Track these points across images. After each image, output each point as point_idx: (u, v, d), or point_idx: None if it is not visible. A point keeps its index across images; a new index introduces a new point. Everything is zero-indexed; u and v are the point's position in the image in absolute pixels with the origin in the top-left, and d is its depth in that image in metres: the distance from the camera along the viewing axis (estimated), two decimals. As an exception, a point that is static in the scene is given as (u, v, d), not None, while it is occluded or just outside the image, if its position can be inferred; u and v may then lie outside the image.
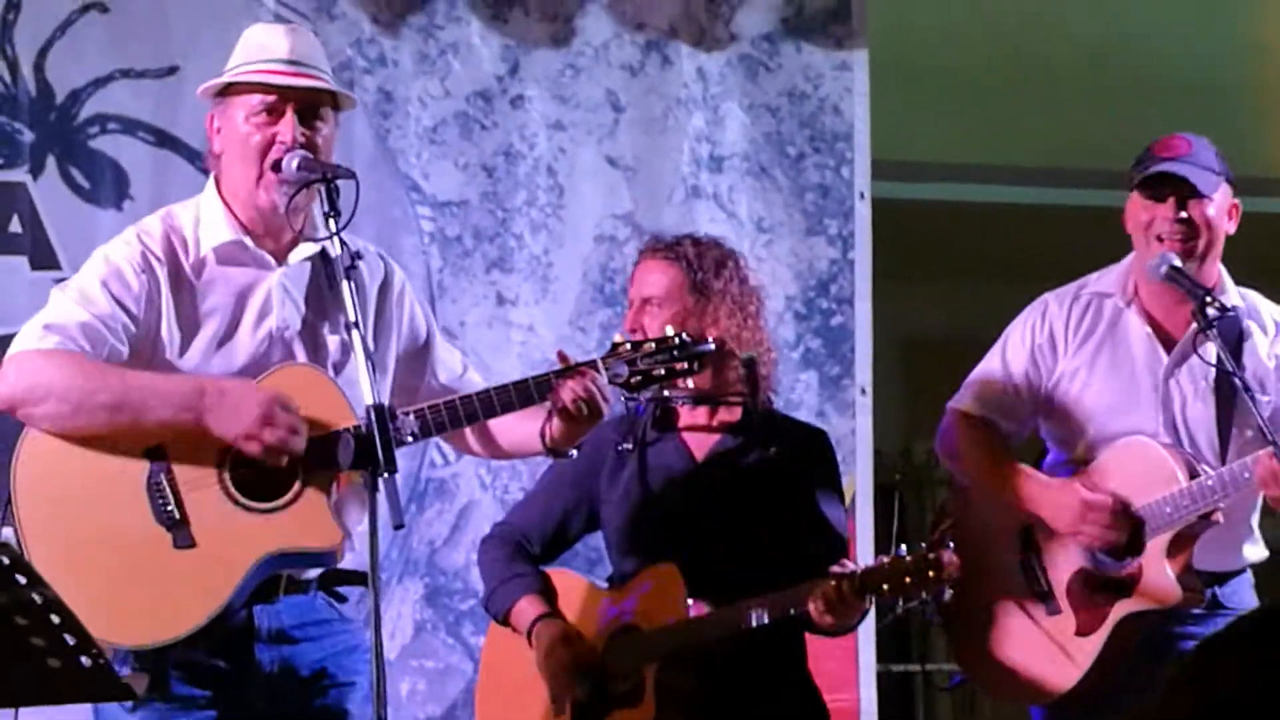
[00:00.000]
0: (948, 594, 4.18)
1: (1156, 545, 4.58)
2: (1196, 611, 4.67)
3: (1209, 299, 4.54)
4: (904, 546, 4.19)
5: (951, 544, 4.21)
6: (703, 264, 4.54)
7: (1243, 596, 4.76)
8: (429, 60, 5.85)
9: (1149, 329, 4.74)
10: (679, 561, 4.38)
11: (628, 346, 4.13)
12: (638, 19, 6.03)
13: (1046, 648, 4.70)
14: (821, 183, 6.22)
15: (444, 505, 5.77)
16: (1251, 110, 7.69)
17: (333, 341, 4.17)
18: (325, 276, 4.18)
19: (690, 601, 4.34)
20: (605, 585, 4.57)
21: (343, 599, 4.21)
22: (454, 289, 5.83)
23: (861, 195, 6.23)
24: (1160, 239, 4.64)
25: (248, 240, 4.14)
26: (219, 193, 4.17)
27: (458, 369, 4.39)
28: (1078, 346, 4.78)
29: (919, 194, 7.53)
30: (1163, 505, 4.56)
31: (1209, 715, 2.35)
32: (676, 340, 4.13)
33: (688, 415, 4.57)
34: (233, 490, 4.02)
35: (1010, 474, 4.76)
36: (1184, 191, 4.63)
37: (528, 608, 4.52)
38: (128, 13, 5.54)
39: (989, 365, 4.88)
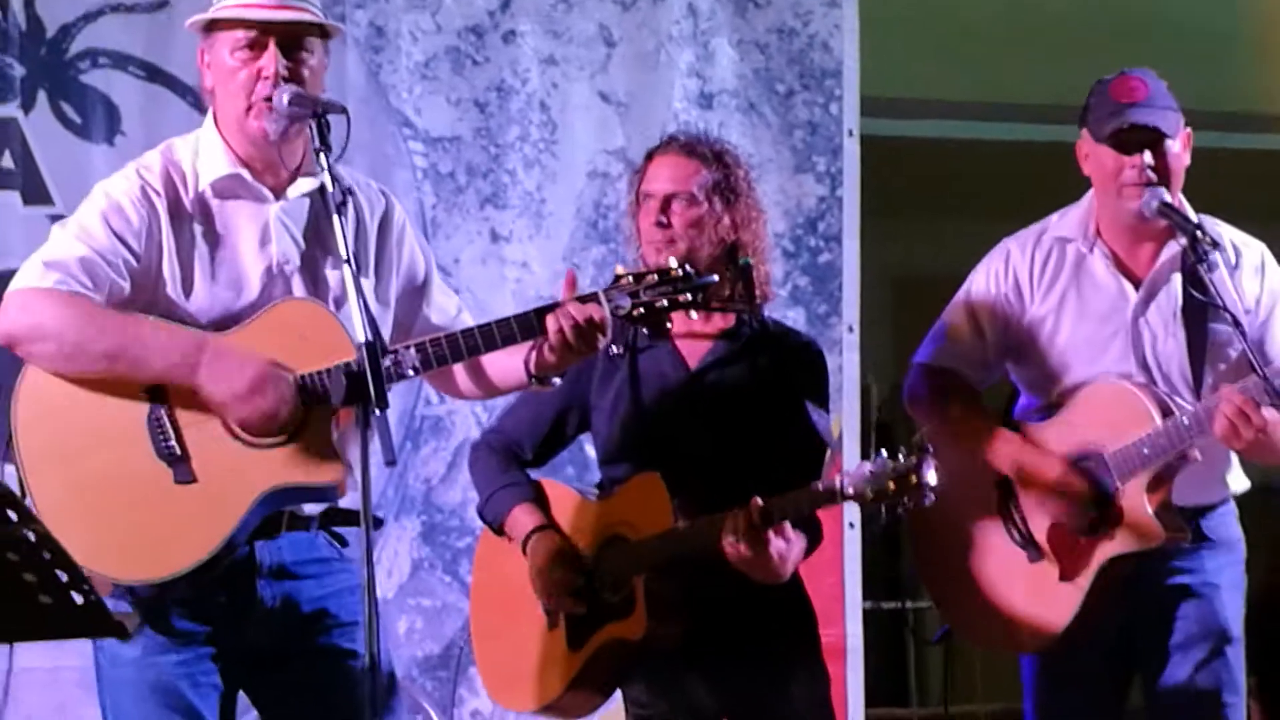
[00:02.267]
0: (930, 499, 4.17)
1: (1136, 486, 4.56)
2: (1182, 546, 4.69)
3: (1200, 232, 4.54)
4: (884, 451, 4.20)
5: (931, 448, 4.23)
6: (726, 166, 4.51)
7: (1228, 527, 4.77)
8: (420, -6, 5.86)
9: (1115, 270, 4.74)
10: (671, 469, 4.38)
11: (630, 279, 4.07)
12: (629, -47, 6.05)
13: (1030, 596, 4.68)
14: (810, 120, 6.23)
15: (439, 443, 5.79)
16: (1244, 46, 7.68)
17: (333, 277, 4.13)
18: (325, 213, 4.11)
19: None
20: (593, 495, 4.58)
21: (343, 541, 4.19)
22: (447, 225, 5.83)
23: (850, 132, 6.23)
24: (1133, 186, 4.62)
25: (245, 174, 4.11)
26: (217, 127, 4.15)
27: (451, 311, 4.35)
28: (1045, 292, 4.77)
29: (908, 131, 7.53)
30: (1139, 446, 4.56)
31: None
32: (680, 272, 4.06)
33: (681, 322, 4.53)
34: (234, 426, 4.02)
35: (980, 429, 4.76)
36: (1152, 138, 4.62)
37: (522, 517, 4.52)
38: (117, -54, 5.54)
39: (953, 316, 4.86)
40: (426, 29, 5.85)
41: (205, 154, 4.13)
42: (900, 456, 4.15)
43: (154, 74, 5.55)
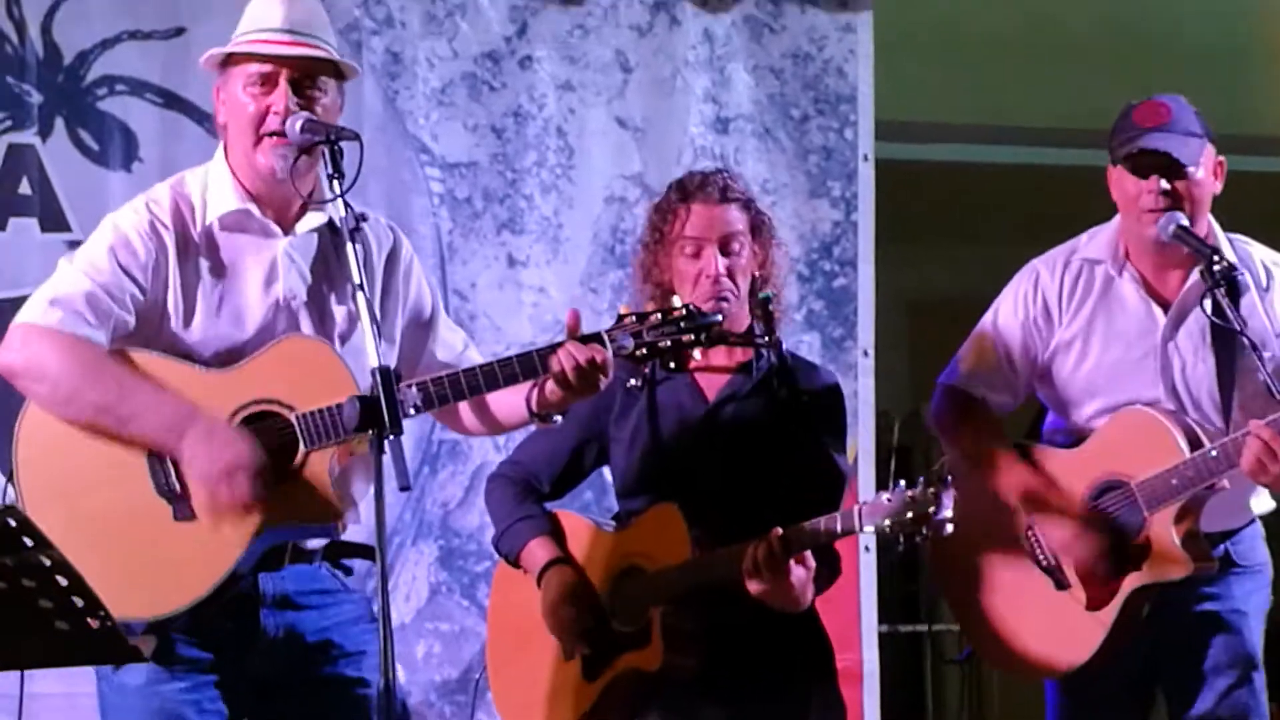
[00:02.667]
0: (949, 529, 4.17)
1: (1164, 517, 4.53)
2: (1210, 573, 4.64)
3: (1216, 257, 4.50)
4: (903, 482, 4.18)
5: (950, 477, 4.22)
6: (753, 205, 4.53)
7: (1256, 551, 4.74)
8: (436, 21, 5.85)
9: (1143, 293, 4.70)
10: (688, 500, 4.38)
11: (633, 319, 4.08)
12: (646, -22, 6.06)
13: (1056, 624, 4.66)
14: (825, 145, 6.23)
15: (457, 467, 5.78)
16: (1260, 69, 7.67)
17: (339, 312, 4.15)
18: (333, 247, 4.16)
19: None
20: (610, 526, 4.57)
21: (348, 571, 4.20)
22: (464, 251, 5.83)
23: (865, 157, 6.23)
24: (1149, 211, 4.59)
25: (254, 209, 4.12)
26: (227, 162, 4.16)
27: (458, 347, 4.36)
28: (1072, 315, 4.74)
29: (923, 155, 7.52)
30: (1168, 478, 4.52)
31: None
32: (684, 311, 4.07)
33: (699, 354, 4.56)
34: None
35: (1000, 464, 4.72)
36: (1166, 163, 4.58)
37: (538, 550, 4.51)
38: (135, -27, 5.54)
39: (980, 339, 4.83)
40: (443, 55, 5.86)
41: (214, 188, 4.15)
42: (918, 487, 4.15)
43: (171, 100, 5.56)
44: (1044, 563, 4.70)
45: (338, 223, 4.09)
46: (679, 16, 6.09)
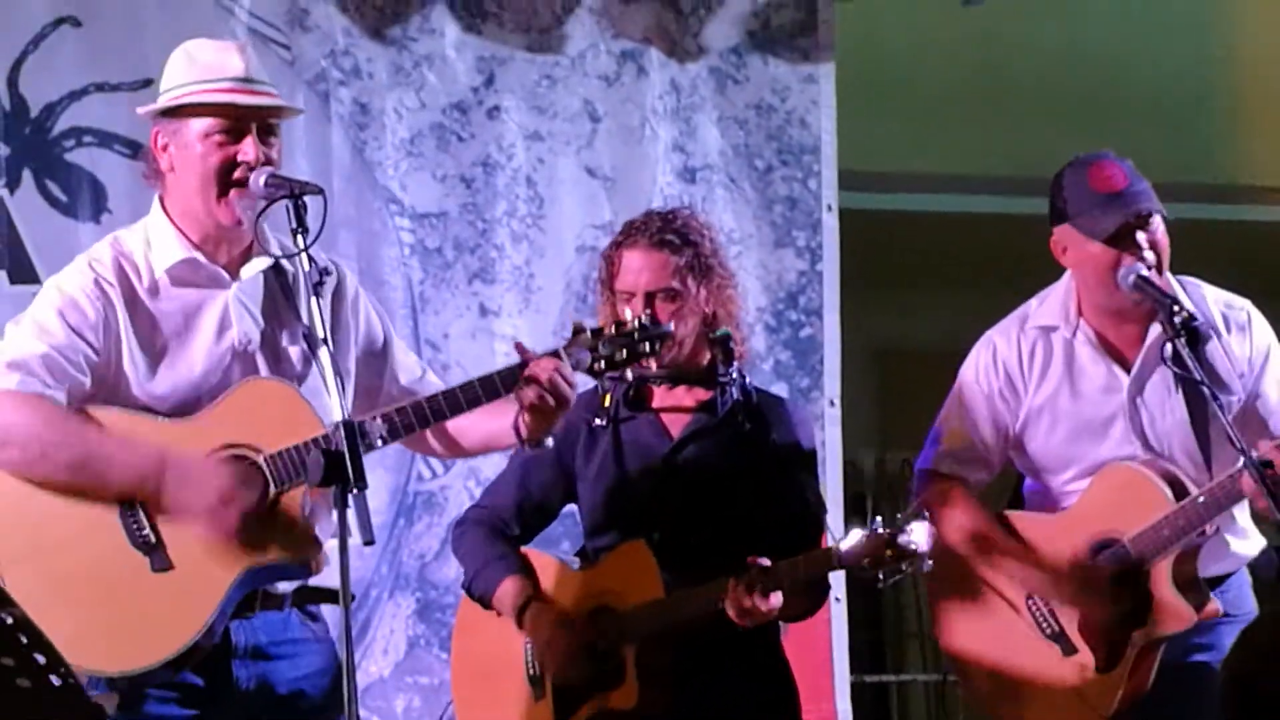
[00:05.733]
0: (928, 565, 4.18)
1: (1162, 570, 4.50)
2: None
3: (1177, 306, 4.47)
4: (879, 519, 4.21)
5: (927, 514, 4.23)
6: (693, 244, 4.51)
7: (1244, 600, 4.71)
8: (404, 72, 5.86)
9: (1102, 354, 4.67)
10: (657, 539, 4.40)
11: (588, 334, 4.15)
12: (613, 29, 6.07)
13: (1071, 690, 4.62)
14: (789, 195, 6.24)
15: (433, 519, 5.76)
16: (1216, 118, 7.73)
17: (293, 352, 4.15)
18: (280, 288, 4.17)
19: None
20: (576, 564, 4.58)
21: (315, 618, 4.20)
22: (436, 301, 5.83)
23: (829, 207, 6.24)
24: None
25: (200, 257, 4.12)
26: (165, 212, 4.15)
27: (417, 371, 4.39)
28: (1037, 384, 4.70)
29: (887, 205, 7.55)
30: (1159, 529, 4.50)
31: None
32: (637, 324, 4.14)
33: (662, 393, 4.57)
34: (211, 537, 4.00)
35: (987, 542, 4.69)
36: (1141, 223, 4.54)
37: (513, 589, 4.50)
38: (101, 26, 5.53)
39: (947, 417, 4.79)
40: (411, 106, 5.87)
41: (157, 241, 4.14)
42: (897, 525, 4.18)
43: (139, 151, 5.54)
44: (1048, 631, 4.67)
45: (283, 263, 4.12)
46: (646, 66, 6.10)
